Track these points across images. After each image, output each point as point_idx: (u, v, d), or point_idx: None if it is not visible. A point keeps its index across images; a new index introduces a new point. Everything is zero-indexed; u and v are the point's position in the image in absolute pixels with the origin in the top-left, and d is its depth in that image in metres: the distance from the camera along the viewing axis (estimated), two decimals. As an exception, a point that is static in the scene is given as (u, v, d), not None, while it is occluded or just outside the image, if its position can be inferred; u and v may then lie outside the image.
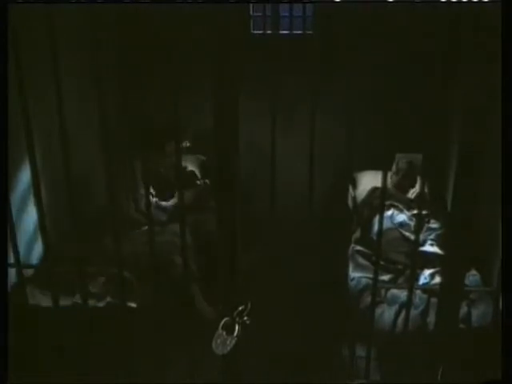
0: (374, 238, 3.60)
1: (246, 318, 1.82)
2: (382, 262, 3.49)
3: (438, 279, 3.37)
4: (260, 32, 4.98)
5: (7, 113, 1.62)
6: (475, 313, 3.15)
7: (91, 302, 2.74)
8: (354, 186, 4.80)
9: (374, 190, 4.33)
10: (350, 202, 4.76)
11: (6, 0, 1.53)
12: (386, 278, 3.52)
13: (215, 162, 1.74)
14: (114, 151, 1.92)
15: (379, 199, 2.01)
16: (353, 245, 3.99)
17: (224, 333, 1.78)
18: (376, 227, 3.55)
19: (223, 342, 1.77)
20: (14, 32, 1.57)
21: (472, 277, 3.45)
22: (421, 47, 3.26)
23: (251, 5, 4.96)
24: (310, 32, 4.86)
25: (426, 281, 3.44)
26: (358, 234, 4.15)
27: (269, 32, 4.75)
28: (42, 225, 1.95)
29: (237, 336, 1.78)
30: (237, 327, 1.79)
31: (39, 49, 1.82)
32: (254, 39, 4.93)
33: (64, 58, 1.78)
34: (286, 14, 4.80)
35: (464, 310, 3.09)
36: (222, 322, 1.79)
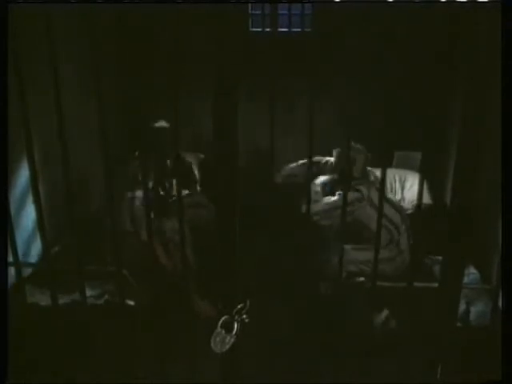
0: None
1: (244, 317, 1.82)
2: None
3: None
4: (258, 30, 4.98)
5: (7, 112, 1.62)
6: (474, 311, 3.15)
7: (89, 301, 2.74)
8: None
9: None
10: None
11: (6, 0, 1.53)
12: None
13: (214, 160, 1.73)
14: (113, 151, 1.92)
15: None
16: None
17: (223, 331, 1.78)
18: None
19: (222, 340, 1.77)
20: (13, 32, 1.57)
21: (472, 275, 3.46)
22: (420, 47, 3.27)
23: (249, 5, 4.96)
24: (308, 30, 4.86)
25: None
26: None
27: (267, 30, 4.75)
28: (40, 224, 1.95)
29: (236, 334, 1.78)
30: (236, 325, 1.79)
31: (39, 49, 1.81)
32: (252, 37, 4.93)
33: (64, 58, 1.78)
34: (285, 12, 4.79)
35: (463, 308, 3.10)
36: (221, 320, 1.79)
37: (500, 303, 1.80)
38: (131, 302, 2.98)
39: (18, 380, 1.96)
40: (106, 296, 3.22)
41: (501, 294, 1.70)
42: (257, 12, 4.97)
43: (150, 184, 3.83)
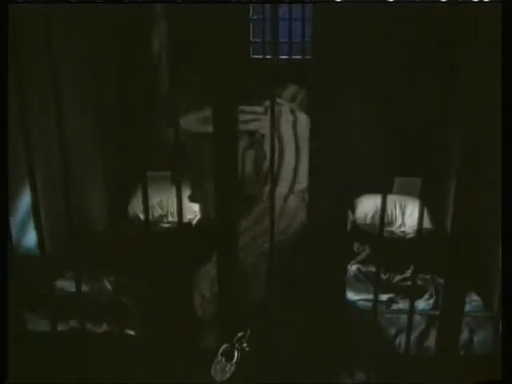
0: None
1: (245, 345, 1.80)
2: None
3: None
4: (259, 57, 5.04)
5: (7, 113, 1.61)
6: (477, 339, 3.12)
7: (89, 328, 2.72)
8: (353, 210, 4.79)
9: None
10: (348, 225, 4.75)
11: (6, 0, 1.54)
12: (385, 298, 3.52)
13: (214, 186, 1.74)
14: (115, 166, 1.92)
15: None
16: (353, 266, 3.99)
17: (223, 359, 1.77)
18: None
19: (222, 369, 1.76)
20: (13, 32, 1.58)
21: (474, 302, 3.43)
22: (420, 47, 3.30)
23: (251, 30, 5.04)
24: (308, 57, 4.91)
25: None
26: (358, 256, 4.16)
27: (268, 57, 4.80)
28: (41, 249, 1.95)
29: (236, 362, 1.76)
30: (236, 354, 1.78)
31: (39, 49, 1.83)
32: (253, 64, 4.97)
33: (64, 58, 1.78)
34: (286, 40, 4.86)
35: (465, 335, 3.06)
36: (222, 349, 1.78)
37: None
38: (131, 330, 2.96)
39: (18, 380, 1.93)
40: (106, 323, 3.19)
41: (501, 296, 1.68)
42: (257, 40, 5.05)
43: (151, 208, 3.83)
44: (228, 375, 1.74)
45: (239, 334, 1.80)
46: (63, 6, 1.58)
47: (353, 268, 4.00)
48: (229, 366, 1.75)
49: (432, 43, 2.50)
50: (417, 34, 3.44)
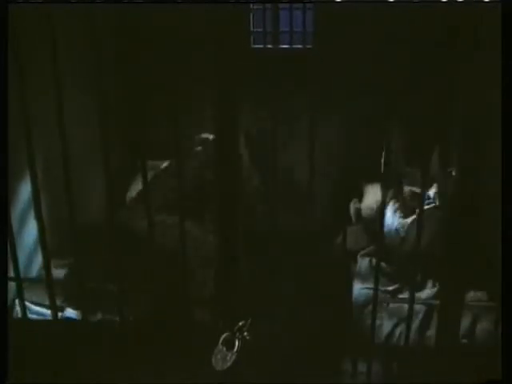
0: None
1: (246, 334, 1.81)
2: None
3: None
4: (260, 46, 5.02)
5: (7, 112, 1.61)
6: (478, 328, 3.12)
7: (89, 316, 2.73)
8: (357, 199, 4.78)
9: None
10: (352, 215, 4.74)
11: (6, 0, 1.54)
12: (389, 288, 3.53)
13: (216, 177, 1.74)
14: (114, 160, 1.92)
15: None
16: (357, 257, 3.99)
17: (224, 348, 1.77)
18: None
19: (223, 358, 1.76)
20: (13, 32, 1.58)
21: (474, 292, 3.43)
22: (420, 47, 3.29)
23: (251, 20, 5.01)
24: (309, 46, 4.90)
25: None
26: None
27: (269, 46, 4.79)
28: (41, 239, 1.95)
29: (237, 351, 1.77)
30: (237, 343, 1.78)
31: (39, 49, 1.82)
32: (254, 54, 4.96)
33: (64, 58, 1.77)
34: (287, 29, 4.84)
35: (466, 324, 3.06)
36: (222, 338, 1.78)
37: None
38: (130, 318, 2.97)
39: (18, 380, 1.94)
40: (105, 311, 3.20)
41: (501, 291, 1.68)
42: (258, 30, 5.03)
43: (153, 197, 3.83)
44: (229, 364, 1.75)
45: (240, 323, 1.80)
46: (63, 5, 1.58)
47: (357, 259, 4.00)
48: (230, 355, 1.76)
49: (432, 43, 2.49)
50: (417, 34, 3.43)
